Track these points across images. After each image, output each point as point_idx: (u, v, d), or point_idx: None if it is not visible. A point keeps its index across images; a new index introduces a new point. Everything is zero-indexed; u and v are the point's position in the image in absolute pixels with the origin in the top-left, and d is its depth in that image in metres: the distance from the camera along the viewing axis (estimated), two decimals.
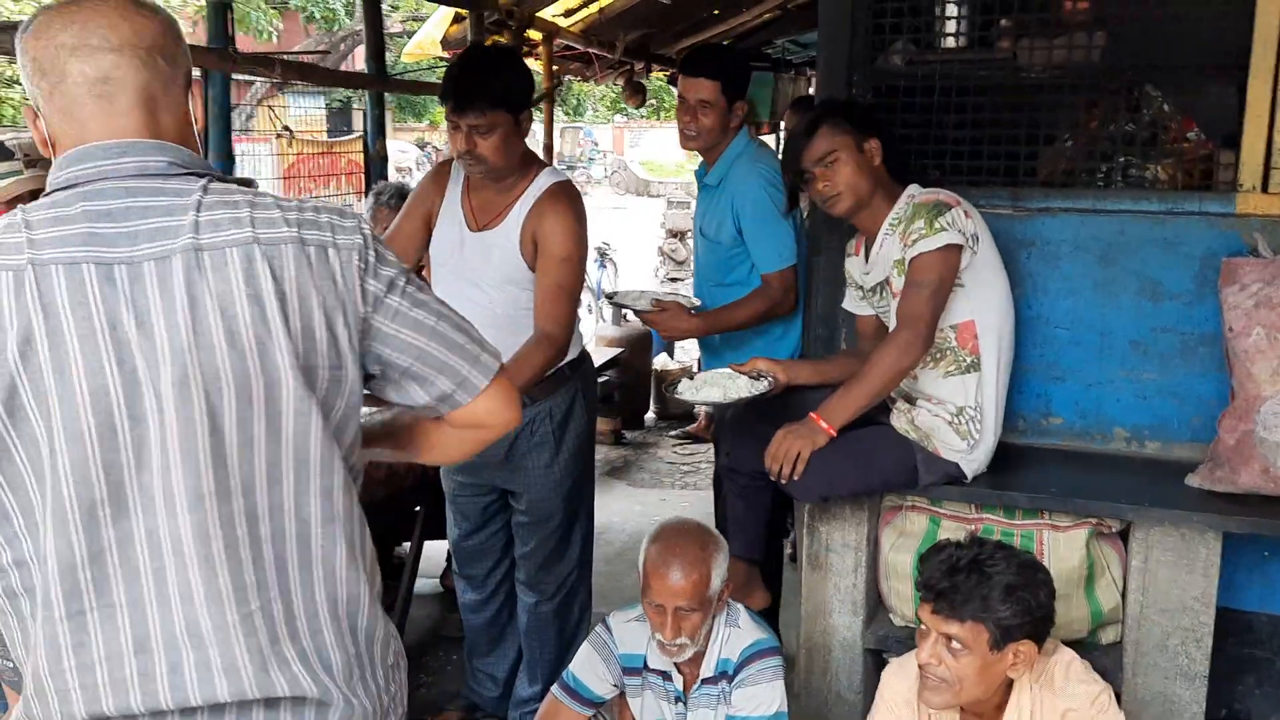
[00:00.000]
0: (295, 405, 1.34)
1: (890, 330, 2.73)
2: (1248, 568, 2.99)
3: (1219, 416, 2.73)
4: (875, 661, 2.97)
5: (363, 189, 4.57)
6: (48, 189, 1.33)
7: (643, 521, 5.50)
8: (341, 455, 1.40)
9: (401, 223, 3.11)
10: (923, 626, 2.23)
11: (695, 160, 3.74)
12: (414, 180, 10.58)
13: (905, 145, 3.09)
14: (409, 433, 1.64)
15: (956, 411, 2.74)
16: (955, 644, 2.17)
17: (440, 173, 3.09)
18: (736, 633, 2.51)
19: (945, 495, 2.86)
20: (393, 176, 5.30)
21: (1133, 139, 3.06)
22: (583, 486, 3.17)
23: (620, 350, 7.10)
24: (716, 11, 7.14)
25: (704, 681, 2.52)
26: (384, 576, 3.71)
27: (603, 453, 6.77)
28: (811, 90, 9.64)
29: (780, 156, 2.86)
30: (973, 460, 2.78)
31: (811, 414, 2.67)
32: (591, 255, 12.04)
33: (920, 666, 2.22)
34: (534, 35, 6.41)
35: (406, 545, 4.06)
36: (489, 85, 2.77)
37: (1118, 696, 2.39)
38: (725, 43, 8.04)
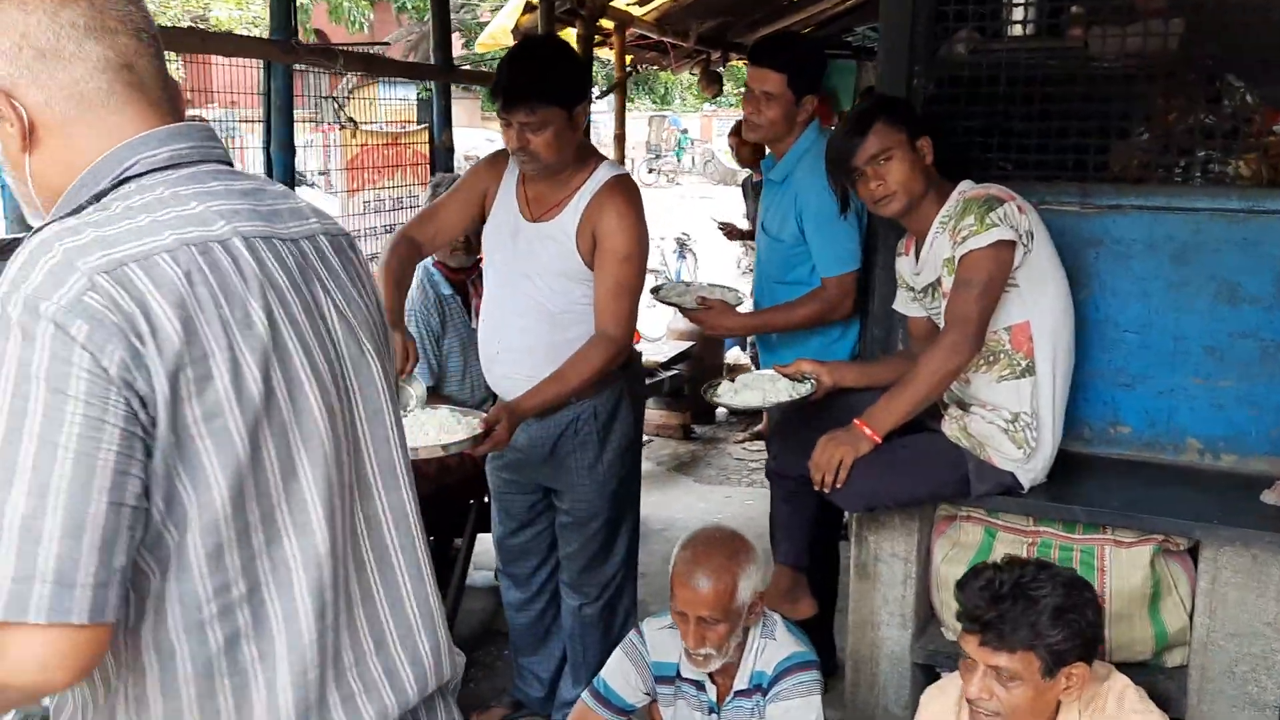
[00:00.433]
0: (387, 380, 1.32)
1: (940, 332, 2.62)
2: None
3: None
4: (925, 676, 2.86)
5: (428, 180, 4.57)
6: (124, 173, 1.16)
7: (706, 518, 5.42)
8: None
9: (448, 199, 3.07)
10: (968, 659, 2.12)
11: None
12: None
13: (968, 139, 2.96)
14: None
15: (1011, 418, 2.62)
16: (1005, 675, 2.06)
17: (498, 158, 3.03)
18: (772, 645, 2.43)
19: (1001, 506, 2.73)
20: (461, 167, 5.29)
21: (1212, 132, 2.88)
22: (628, 488, 3.11)
23: (691, 343, 7.01)
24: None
25: (738, 694, 2.44)
26: (438, 568, 3.73)
27: (670, 447, 6.72)
28: None
29: (826, 157, 2.75)
30: (1029, 470, 2.65)
31: (856, 420, 2.57)
32: (671, 246, 11.99)
33: (970, 702, 2.11)
34: (606, 24, 6.35)
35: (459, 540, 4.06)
36: (539, 81, 2.70)
37: None
38: (805, 30, 7.88)
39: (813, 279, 3.22)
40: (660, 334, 7.78)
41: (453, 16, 16.84)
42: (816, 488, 2.60)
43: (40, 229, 1.11)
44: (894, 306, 2.96)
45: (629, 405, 3.02)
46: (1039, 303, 2.60)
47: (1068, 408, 2.76)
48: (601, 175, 2.85)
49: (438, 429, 2.71)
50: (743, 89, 3.31)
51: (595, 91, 8.15)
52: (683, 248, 12.02)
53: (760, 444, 6.84)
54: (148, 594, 1.10)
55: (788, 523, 3.05)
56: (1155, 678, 2.61)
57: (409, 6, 19.78)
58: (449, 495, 3.71)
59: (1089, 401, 2.94)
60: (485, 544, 4.47)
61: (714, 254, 12.81)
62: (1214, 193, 2.81)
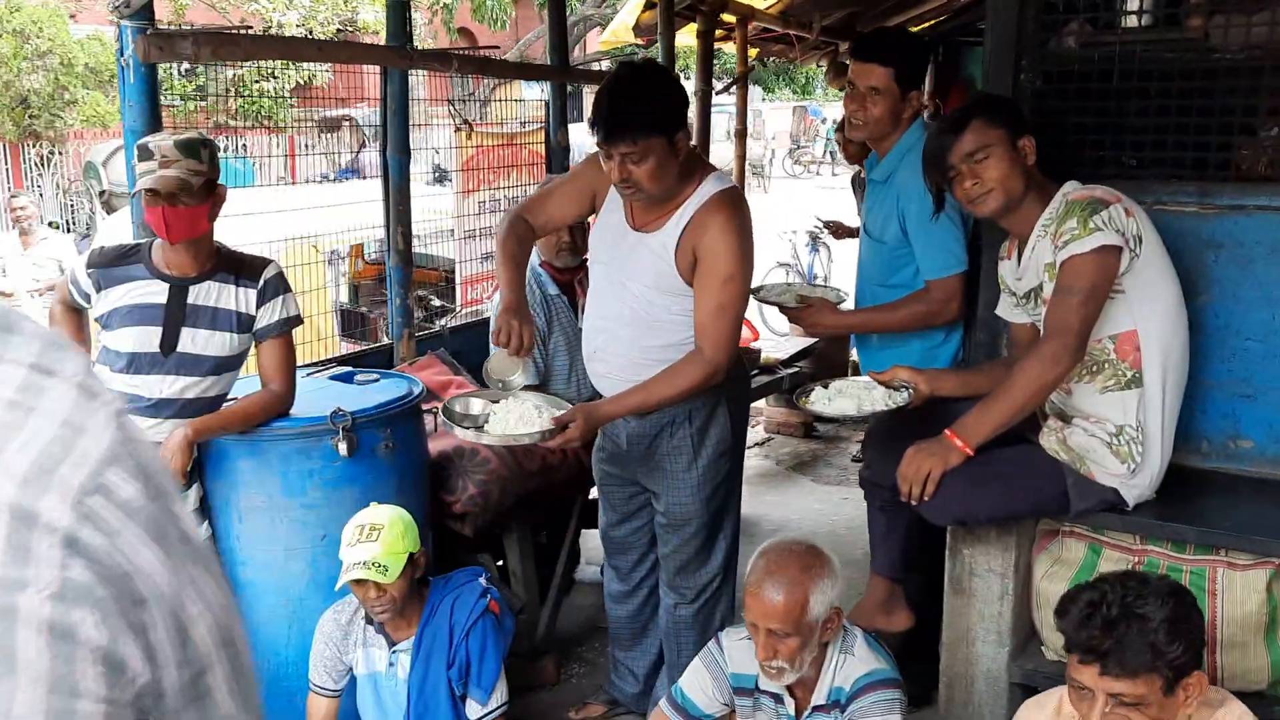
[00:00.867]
0: None
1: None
2: None
3: None
4: (1024, 696, 2.75)
5: (542, 180, 4.63)
6: None
7: (820, 520, 5.35)
8: None
9: (559, 188, 3.11)
10: (1082, 689, 2.03)
11: None
12: None
13: (1078, 137, 2.82)
14: None
15: (1115, 431, 2.49)
16: (1129, 702, 1.97)
17: None
18: (851, 660, 2.38)
19: (1105, 524, 2.60)
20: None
21: None
22: (726, 494, 3.08)
23: (815, 340, 6.91)
24: None
25: (816, 709, 2.41)
26: (539, 564, 3.79)
27: (790, 445, 6.65)
28: None
29: (923, 154, 2.66)
30: (1134, 486, 2.52)
31: (946, 430, 2.49)
32: (803, 239, 11.83)
33: None
34: (728, 18, 6.31)
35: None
36: (638, 112, 2.67)
37: None
38: (939, 19, 7.66)
39: (915, 283, 3.13)
40: (786, 330, 7.70)
41: (592, 12, 16.89)
42: (903, 499, 2.53)
43: None
44: (997, 312, 2.85)
45: (727, 412, 2.99)
46: (1147, 310, 2.47)
47: (1182, 420, 2.61)
48: (706, 190, 2.81)
49: (518, 419, 2.80)
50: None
51: (717, 86, 8.12)
52: (815, 241, 11.83)
53: None
54: None
55: (883, 534, 2.98)
56: (1274, 710, 2.45)
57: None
58: (554, 490, 3.76)
59: (1207, 414, 2.77)
60: (595, 540, 4.52)
61: (848, 247, 12.57)
62: None
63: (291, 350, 3.02)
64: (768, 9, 6.49)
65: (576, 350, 3.89)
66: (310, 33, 17.33)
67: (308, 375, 3.39)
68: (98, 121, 15.09)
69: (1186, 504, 2.60)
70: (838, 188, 24.01)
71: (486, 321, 4.17)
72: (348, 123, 19.03)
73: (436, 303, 7.92)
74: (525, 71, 6.04)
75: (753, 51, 7.27)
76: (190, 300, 2.82)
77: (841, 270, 10.30)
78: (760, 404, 6.74)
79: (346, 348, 5.99)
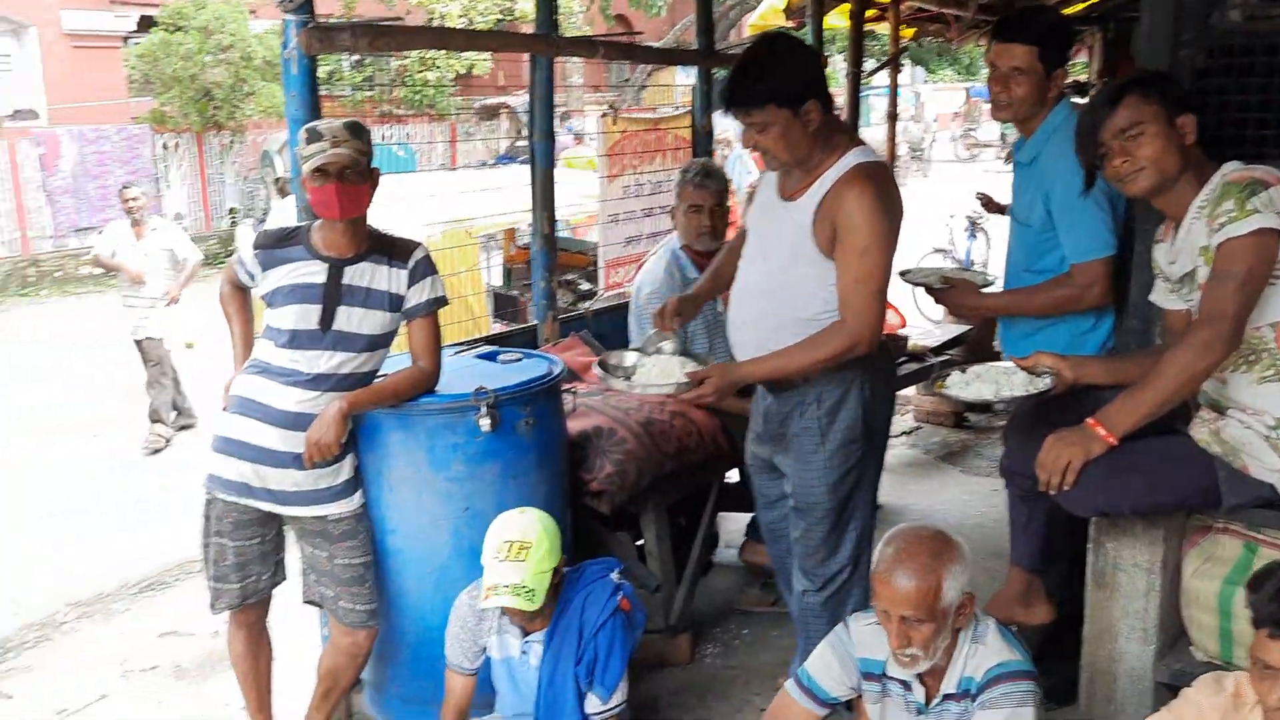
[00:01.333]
0: None
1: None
2: None
3: None
4: (1169, 696, 2.64)
5: None
6: None
7: (968, 511, 5.23)
8: None
9: None
10: (1268, 667, 1.96)
11: None
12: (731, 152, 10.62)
13: (1242, 115, 2.68)
14: None
15: (1274, 424, 2.36)
16: None
17: None
18: (982, 650, 2.33)
19: (1263, 521, 2.47)
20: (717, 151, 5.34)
21: None
22: (856, 484, 3.02)
23: (967, 328, 6.74)
24: None
25: (946, 697, 2.37)
26: (675, 546, 3.83)
27: (939, 435, 6.51)
28: None
29: (1075, 129, 2.57)
30: None
31: (1089, 419, 2.41)
32: (962, 224, 11.50)
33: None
34: None
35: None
36: (757, 85, 2.74)
37: None
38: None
39: (1061, 268, 3.03)
40: (939, 316, 7.52)
41: None
42: (1042, 489, 2.47)
43: None
44: (1150, 298, 2.74)
45: (860, 399, 2.95)
46: None
47: None
48: (847, 162, 2.82)
49: (660, 372, 2.97)
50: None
51: (870, 66, 7.96)
52: (974, 226, 11.51)
53: None
54: None
55: (1023, 524, 2.91)
56: None
57: None
58: (691, 472, 3.80)
59: None
60: (734, 523, 4.55)
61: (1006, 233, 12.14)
62: None
63: (438, 329, 3.15)
64: None
65: (716, 334, 3.92)
66: (471, 23, 17.80)
67: (454, 354, 3.53)
68: (274, 112, 15.91)
69: None
70: (1007, 172, 23.23)
71: (628, 305, 4.24)
72: (505, 110, 19.56)
73: (585, 286, 8.07)
74: (669, 56, 6.08)
75: (908, 32, 7.11)
76: (346, 280, 2.97)
77: (1000, 257, 9.97)
78: (909, 392, 6.62)
79: (498, 329, 6.18)
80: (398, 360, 3.20)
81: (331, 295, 2.96)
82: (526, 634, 2.86)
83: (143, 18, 16.81)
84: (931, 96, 31.61)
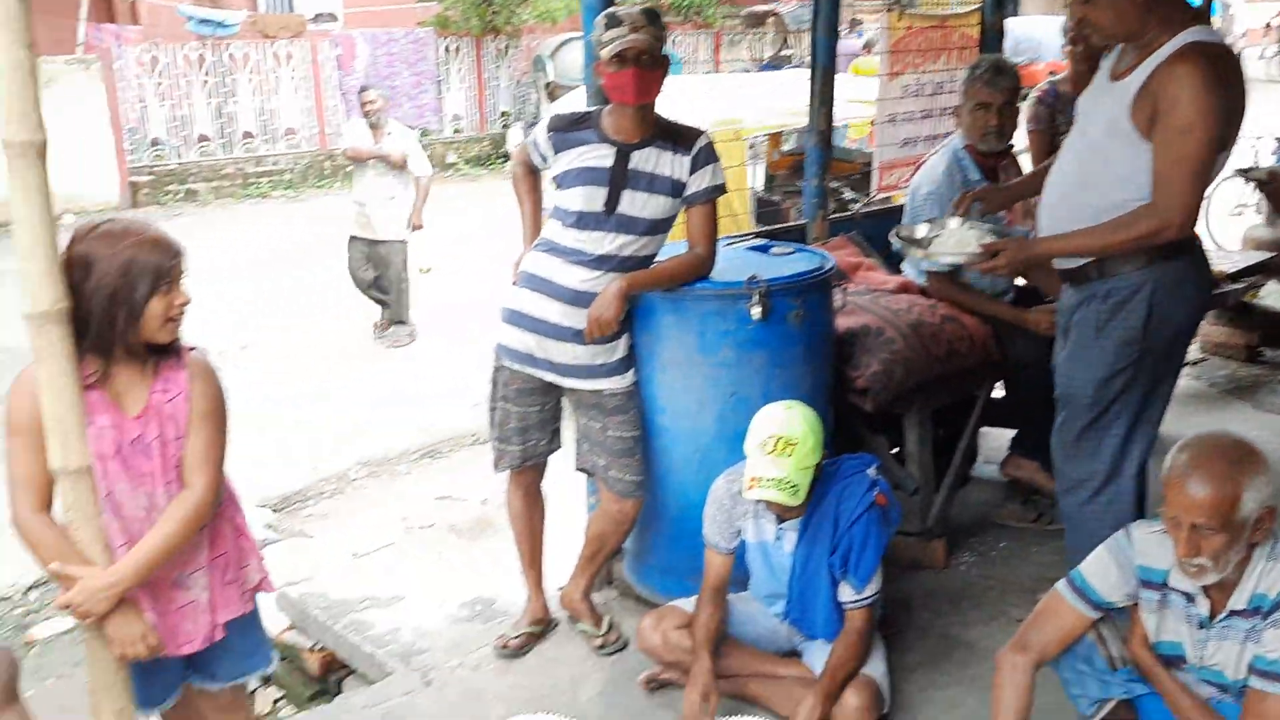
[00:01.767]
0: None
1: None
2: None
3: None
4: None
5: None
6: None
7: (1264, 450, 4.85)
8: None
9: None
10: None
11: None
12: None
13: None
14: None
15: None
16: None
17: None
18: (1278, 568, 2.20)
19: None
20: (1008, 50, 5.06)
21: None
22: (1126, 387, 2.86)
23: (1270, 254, 6.17)
24: None
25: (1233, 613, 2.26)
26: (937, 454, 3.79)
27: (1228, 369, 6.03)
28: None
29: None
30: None
31: None
32: (1269, 146, 10.44)
33: None
34: None
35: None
36: None
37: None
38: None
39: None
40: (1237, 243, 6.92)
41: None
42: None
43: None
44: None
45: (1149, 300, 2.78)
46: None
47: None
48: (1181, 40, 2.67)
49: (956, 243, 3.06)
50: None
51: None
52: None
53: None
54: None
55: None
56: None
57: None
58: (959, 378, 3.72)
59: None
60: (995, 439, 4.43)
61: None
62: None
63: (715, 217, 3.20)
64: None
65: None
66: None
67: (727, 245, 3.58)
68: (548, 18, 16.33)
69: None
70: None
71: (900, 209, 4.15)
72: (772, 17, 19.23)
73: (848, 195, 7.94)
74: None
75: None
76: (632, 165, 3.06)
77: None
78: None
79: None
80: (671, 248, 3.28)
81: (617, 179, 3.06)
82: (781, 521, 2.93)
83: None
84: (1242, 8, 28.56)
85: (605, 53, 2.95)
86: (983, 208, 3.21)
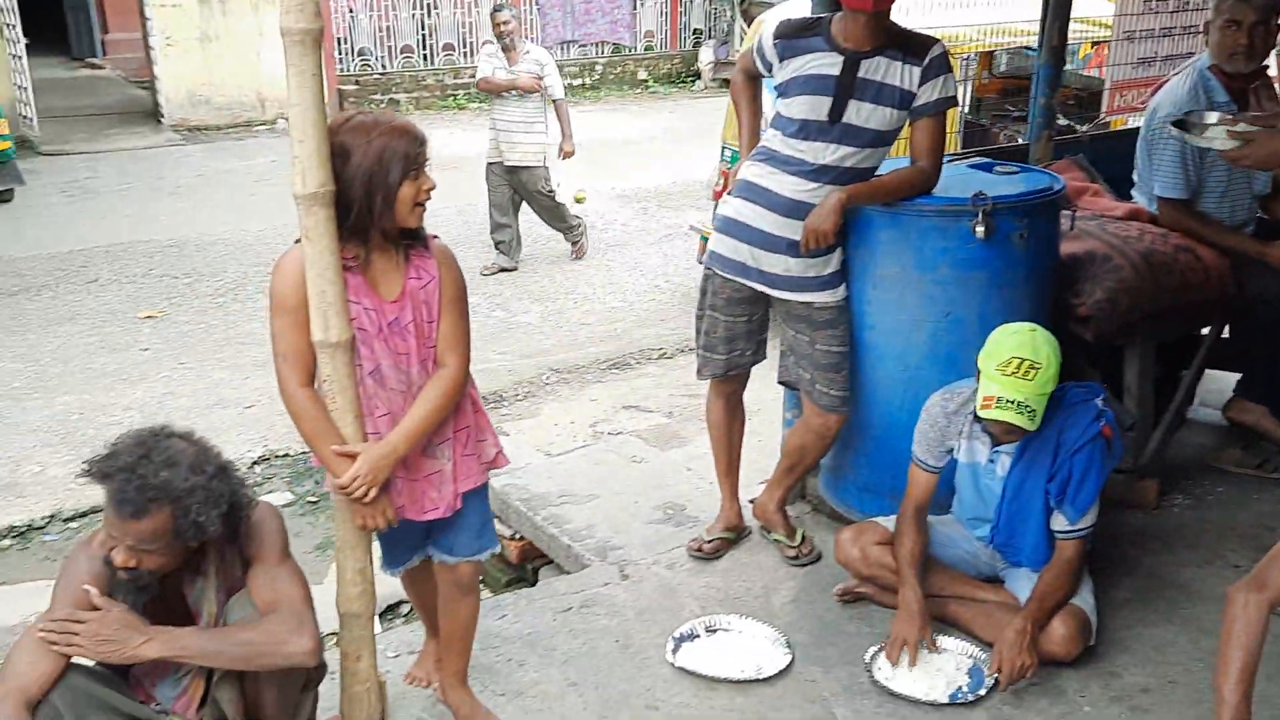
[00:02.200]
0: None
1: None
2: None
3: None
4: None
5: None
6: None
7: None
8: None
9: None
10: None
11: None
12: None
13: None
14: None
15: None
16: None
17: None
18: None
19: None
20: None
21: None
22: None
23: None
24: None
25: None
26: (1155, 392, 3.62)
27: None
28: None
29: None
30: None
31: None
32: None
33: None
34: None
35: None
36: None
37: None
38: None
39: None
40: None
41: None
42: None
43: None
44: None
45: None
46: None
47: None
48: None
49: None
50: None
51: None
52: None
53: None
54: None
55: None
56: None
57: None
58: (1188, 311, 3.54)
59: None
60: (1212, 382, 4.20)
61: None
62: None
63: (944, 131, 3.11)
64: None
65: (1235, 171, 3.54)
66: None
67: (947, 162, 3.47)
68: None
69: None
70: None
71: (1134, 132, 3.92)
72: None
73: (1061, 121, 7.54)
74: None
75: None
76: (860, 74, 2.99)
77: None
78: None
79: None
80: (890, 164, 3.21)
81: (844, 88, 3.00)
82: (997, 444, 2.87)
83: None
84: None
85: None
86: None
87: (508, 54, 7.30)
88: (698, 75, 16.17)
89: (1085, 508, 2.79)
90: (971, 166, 3.50)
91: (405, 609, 4.04)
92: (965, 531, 3.08)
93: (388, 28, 14.39)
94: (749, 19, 13.98)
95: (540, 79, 7.28)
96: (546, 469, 4.39)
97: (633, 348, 6.46)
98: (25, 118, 11.69)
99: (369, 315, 2.32)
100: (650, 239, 8.60)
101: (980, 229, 3.02)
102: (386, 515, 2.38)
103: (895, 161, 3.23)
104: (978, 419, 2.83)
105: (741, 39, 15.43)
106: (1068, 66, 8.69)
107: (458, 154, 10.23)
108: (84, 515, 4.65)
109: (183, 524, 2.07)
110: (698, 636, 3.02)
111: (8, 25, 11.59)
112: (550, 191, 7.52)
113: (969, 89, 8.31)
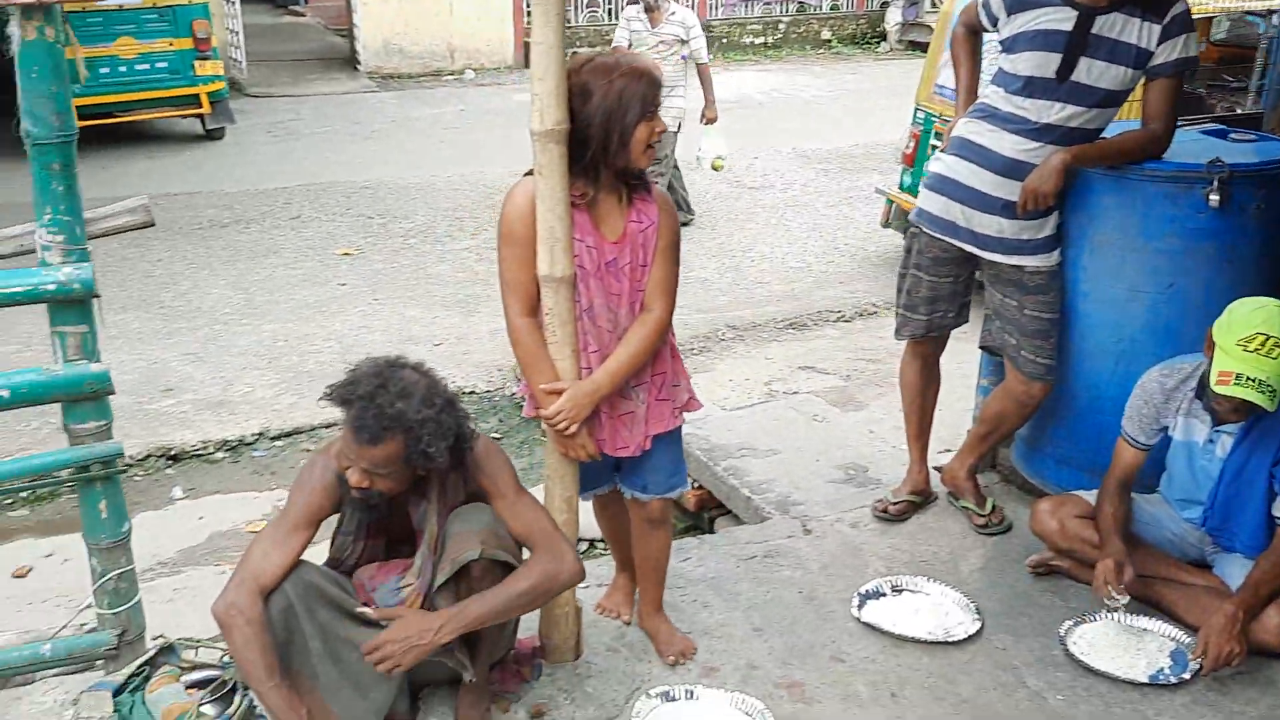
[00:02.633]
0: None
1: None
2: None
3: None
4: None
5: None
6: None
7: None
8: None
9: None
10: None
11: None
12: None
13: None
14: None
15: None
16: None
17: None
18: None
19: None
20: None
21: None
22: None
23: None
24: None
25: None
26: None
27: None
28: None
29: None
30: None
31: None
32: None
33: None
34: None
35: None
36: None
37: None
38: None
39: None
40: None
41: None
42: None
43: None
44: None
45: None
46: None
47: None
48: None
49: None
50: None
51: None
52: None
53: None
54: None
55: None
56: None
57: None
58: None
59: None
60: None
61: None
62: None
63: (1180, 93, 2.96)
64: None
65: None
66: None
67: (1178, 126, 3.31)
68: None
69: None
70: None
71: None
72: None
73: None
74: None
75: None
76: (1094, 30, 2.87)
77: None
78: None
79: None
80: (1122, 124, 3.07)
81: (1076, 45, 2.89)
82: (1218, 424, 2.74)
83: None
84: None
85: None
86: None
87: (650, 15, 7.16)
88: (883, 37, 15.79)
89: None
90: (1204, 133, 3.33)
91: (593, 547, 4.16)
92: (1173, 512, 2.96)
93: None
94: None
95: (683, 41, 7.14)
96: (726, 422, 4.42)
97: (810, 309, 6.42)
98: (235, 61, 12.37)
99: (590, 253, 2.39)
100: (830, 201, 8.49)
101: (1214, 197, 2.88)
102: (588, 449, 2.47)
103: (1123, 125, 3.09)
104: (1200, 396, 2.71)
105: (931, 1, 14.96)
106: None
107: None
108: (288, 435, 4.94)
109: (413, 452, 2.19)
110: (884, 595, 3.01)
111: None
112: (665, 159, 7.18)
113: None
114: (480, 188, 8.59)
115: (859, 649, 2.82)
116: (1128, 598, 2.73)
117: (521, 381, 2.58)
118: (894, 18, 15.65)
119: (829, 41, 15.81)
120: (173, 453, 4.75)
